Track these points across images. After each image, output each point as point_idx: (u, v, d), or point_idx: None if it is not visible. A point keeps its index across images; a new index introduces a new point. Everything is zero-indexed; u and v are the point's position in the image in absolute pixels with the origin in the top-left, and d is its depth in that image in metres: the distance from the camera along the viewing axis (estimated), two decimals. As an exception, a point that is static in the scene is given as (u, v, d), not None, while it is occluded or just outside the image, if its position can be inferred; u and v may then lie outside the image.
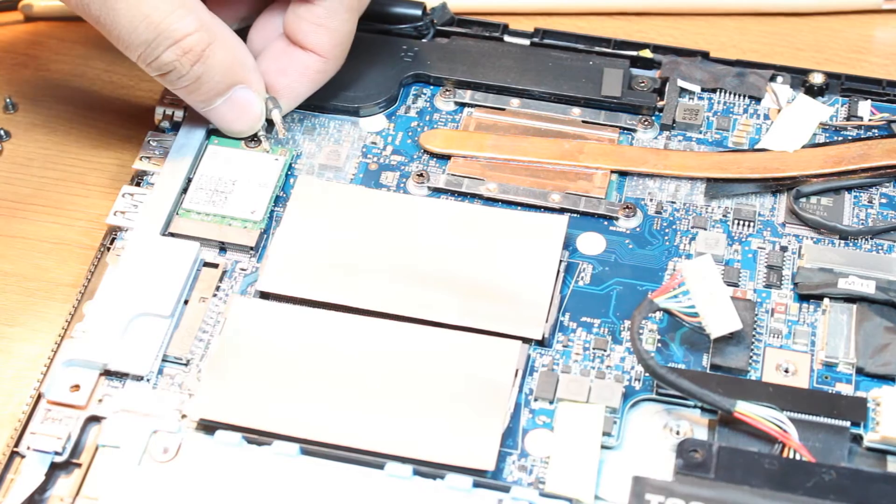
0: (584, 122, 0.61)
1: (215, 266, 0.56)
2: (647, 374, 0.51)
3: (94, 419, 0.51)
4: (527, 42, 0.64)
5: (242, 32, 0.60)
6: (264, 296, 0.55)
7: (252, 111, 0.58)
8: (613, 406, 0.51)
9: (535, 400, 0.51)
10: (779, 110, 0.61)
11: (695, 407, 0.51)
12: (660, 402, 0.51)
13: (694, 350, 0.53)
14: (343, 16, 0.57)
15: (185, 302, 0.54)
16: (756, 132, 0.60)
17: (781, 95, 0.61)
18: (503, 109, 0.61)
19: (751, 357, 0.52)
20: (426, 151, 0.60)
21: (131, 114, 0.64)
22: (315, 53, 0.58)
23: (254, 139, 0.59)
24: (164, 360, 0.53)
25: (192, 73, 0.55)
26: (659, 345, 0.53)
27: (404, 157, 0.60)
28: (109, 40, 0.55)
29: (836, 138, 0.60)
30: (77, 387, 0.51)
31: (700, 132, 0.60)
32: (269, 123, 0.59)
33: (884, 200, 0.58)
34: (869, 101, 0.61)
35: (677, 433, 0.50)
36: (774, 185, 0.58)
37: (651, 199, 0.58)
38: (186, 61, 0.54)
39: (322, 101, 0.61)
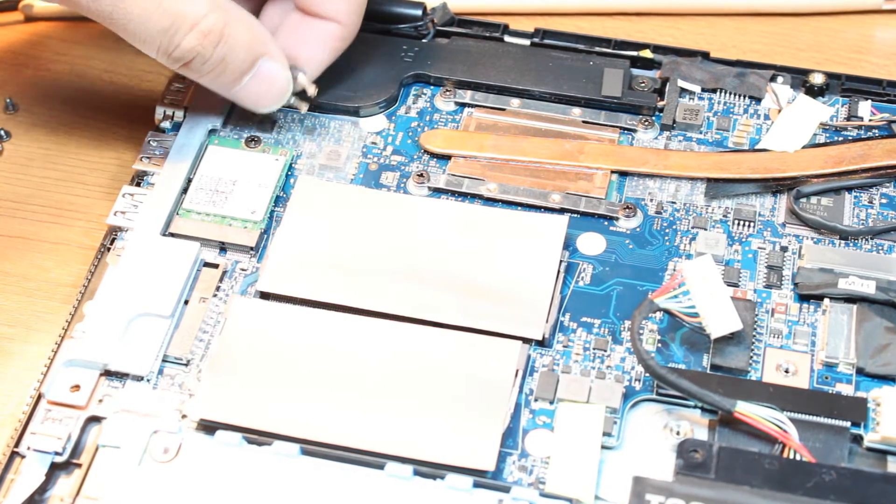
0: (584, 122, 0.61)
1: (215, 266, 0.56)
2: (647, 375, 0.51)
3: (95, 419, 0.51)
4: (527, 42, 0.64)
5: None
6: (264, 296, 0.55)
7: (280, 82, 0.57)
8: (614, 406, 0.51)
9: (536, 400, 0.51)
10: (779, 110, 0.61)
11: (695, 407, 0.51)
12: (660, 403, 0.51)
13: (694, 350, 0.53)
14: None
15: (186, 302, 0.54)
16: (756, 132, 0.60)
17: (781, 95, 0.61)
18: (503, 109, 0.61)
19: (751, 357, 0.52)
20: (426, 151, 0.60)
21: (131, 114, 0.64)
22: (333, 21, 0.58)
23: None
24: (164, 361, 0.53)
25: (217, 55, 0.54)
26: (659, 345, 0.53)
27: (404, 158, 0.60)
28: (125, 38, 0.54)
29: (836, 138, 0.60)
30: (77, 387, 0.51)
31: (700, 132, 0.60)
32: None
33: (884, 201, 0.58)
34: (869, 101, 0.61)
35: (677, 433, 0.50)
36: (775, 186, 0.58)
37: (651, 200, 0.58)
38: (209, 44, 0.54)
39: (322, 101, 0.61)
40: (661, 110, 0.61)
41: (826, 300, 0.54)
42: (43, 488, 0.49)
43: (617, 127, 0.61)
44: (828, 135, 0.60)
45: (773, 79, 0.62)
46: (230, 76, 0.56)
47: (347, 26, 0.58)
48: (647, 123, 0.60)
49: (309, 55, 0.58)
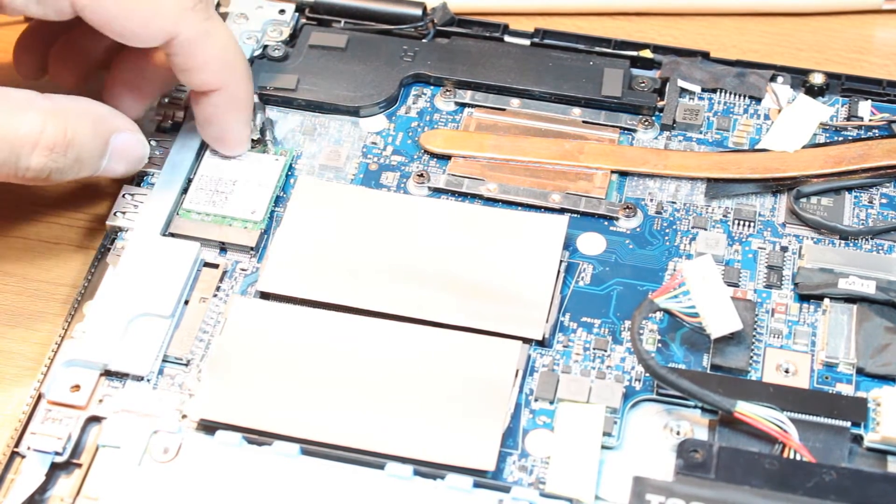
0: (584, 122, 0.61)
1: (216, 266, 0.56)
2: (647, 375, 0.51)
3: (95, 419, 0.51)
4: (527, 42, 0.64)
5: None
6: (264, 296, 0.55)
7: (137, 148, 0.55)
8: (614, 406, 0.51)
9: (536, 400, 0.51)
10: (779, 110, 0.61)
11: (695, 407, 0.51)
12: (660, 403, 0.51)
13: (694, 350, 0.53)
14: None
15: (186, 302, 0.54)
16: (756, 132, 0.60)
17: (781, 95, 0.61)
18: (503, 109, 0.61)
19: (751, 357, 0.52)
20: (426, 151, 0.60)
21: (131, 114, 0.64)
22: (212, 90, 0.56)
23: (259, 142, 0.59)
24: (164, 361, 0.53)
25: (70, 159, 0.52)
26: (659, 345, 0.53)
27: (404, 158, 0.60)
28: None
29: (836, 138, 0.60)
30: (77, 387, 0.51)
31: (700, 132, 0.60)
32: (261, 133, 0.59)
33: (884, 200, 0.58)
34: (869, 101, 0.61)
35: (677, 433, 0.50)
36: (775, 186, 0.58)
37: (651, 200, 0.58)
38: (58, 155, 0.51)
39: (322, 101, 0.61)
40: (661, 110, 0.61)
41: (826, 300, 0.54)
42: (43, 488, 0.49)
43: (617, 127, 0.61)
44: (828, 135, 0.60)
45: (773, 79, 0.62)
46: (89, 168, 0.53)
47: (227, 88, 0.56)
48: (647, 123, 0.60)
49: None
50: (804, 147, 0.59)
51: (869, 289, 0.53)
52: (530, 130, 0.61)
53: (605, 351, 0.53)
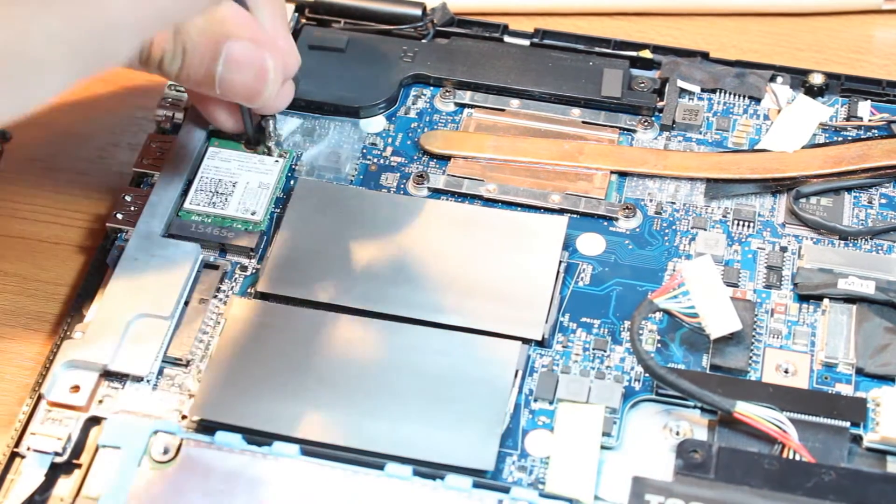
0: (583, 122, 0.61)
1: (215, 267, 0.56)
2: (646, 375, 0.51)
3: (95, 420, 0.51)
4: (527, 42, 0.64)
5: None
6: (264, 297, 0.55)
7: (252, 62, 0.53)
8: (613, 406, 0.51)
9: (535, 400, 0.51)
10: (779, 111, 0.61)
11: (695, 407, 0.51)
12: (660, 403, 0.52)
13: (694, 350, 0.53)
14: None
15: (186, 303, 0.54)
16: (756, 132, 0.60)
17: (781, 96, 0.61)
18: (503, 110, 0.61)
19: (751, 357, 0.52)
20: (426, 152, 0.60)
21: (132, 114, 0.64)
22: None
23: (257, 142, 0.59)
24: (164, 361, 0.53)
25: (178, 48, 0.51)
26: (659, 345, 0.53)
27: (404, 159, 0.60)
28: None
29: (835, 138, 0.60)
30: (77, 388, 0.51)
31: (700, 132, 0.60)
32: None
33: (883, 201, 0.58)
34: (869, 101, 0.61)
35: (677, 433, 0.50)
36: (774, 186, 0.58)
37: (651, 200, 0.58)
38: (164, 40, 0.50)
39: (322, 102, 0.61)
40: (660, 110, 0.61)
41: (826, 300, 0.54)
42: (43, 488, 0.49)
43: (616, 127, 0.61)
44: (827, 135, 0.60)
45: (772, 79, 0.62)
46: (198, 68, 0.52)
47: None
48: (646, 124, 0.60)
49: None
50: (804, 147, 0.59)
51: (868, 289, 0.53)
52: (530, 131, 0.61)
53: (605, 351, 0.53)
